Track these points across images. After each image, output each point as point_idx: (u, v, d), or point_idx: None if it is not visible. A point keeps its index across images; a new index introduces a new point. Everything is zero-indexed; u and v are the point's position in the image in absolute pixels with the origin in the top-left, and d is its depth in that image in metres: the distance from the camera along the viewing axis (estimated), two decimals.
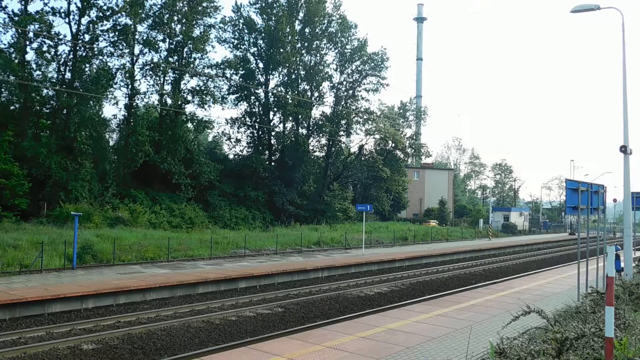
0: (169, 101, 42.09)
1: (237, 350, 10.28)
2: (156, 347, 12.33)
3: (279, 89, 52.05)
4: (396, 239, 42.16)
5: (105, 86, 36.93)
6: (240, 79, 49.70)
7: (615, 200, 59.57)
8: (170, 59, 41.72)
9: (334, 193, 54.05)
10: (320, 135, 56.18)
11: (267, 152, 53.11)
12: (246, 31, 50.43)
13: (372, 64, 56.10)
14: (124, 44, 39.10)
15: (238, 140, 53.17)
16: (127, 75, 39.26)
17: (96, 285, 16.86)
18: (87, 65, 37.43)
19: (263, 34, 49.87)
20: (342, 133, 57.83)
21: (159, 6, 40.65)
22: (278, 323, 15.08)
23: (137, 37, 39.72)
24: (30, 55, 35.95)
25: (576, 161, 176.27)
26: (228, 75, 47.84)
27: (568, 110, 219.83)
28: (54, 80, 36.68)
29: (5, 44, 34.93)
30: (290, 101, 49.64)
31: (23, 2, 34.70)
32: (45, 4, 41.68)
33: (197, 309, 16.32)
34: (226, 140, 54.15)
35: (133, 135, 38.46)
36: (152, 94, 41.96)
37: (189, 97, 43.50)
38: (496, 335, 8.64)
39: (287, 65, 49.93)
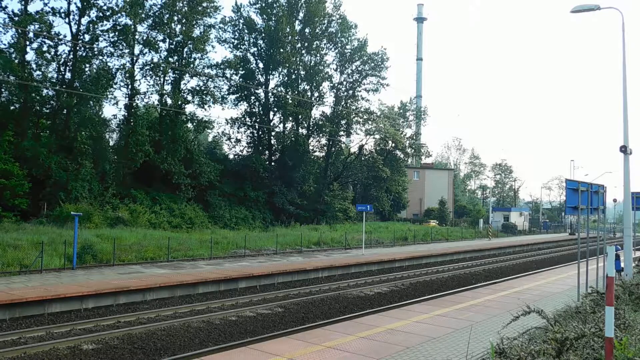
0: (169, 101, 42.09)
1: (237, 350, 10.28)
2: (156, 347, 12.33)
3: (279, 89, 52.09)
4: (396, 239, 42.14)
5: (105, 86, 36.99)
6: (240, 79, 49.73)
7: (615, 200, 59.55)
8: (170, 59, 41.73)
9: (334, 193, 54.05)
10: (320, 135, 56.21)
11: (267, 152, 53.14)
12: (246, 31, 50.48)
13: (372, 64, 56.12)
14: (124, 44, 39.11)
15: (238, 140, 53.33)
16: (127, 75, 39.28)
17: (96, 285, 16.86)
18: (87, 65, 37.47)
19: (263, 34, 49.91)
20: (342, 133, 57.87)
21: (159, 6, 40.73)
22: (278, 323, 15.07)
23: (137, 37, 39.74)
24: (30, 55, 36.01)
25: (576, 161, 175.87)
26: (228, 75, 47.88)
27: (568, 111, 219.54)
28: (54, 80, 36.72)
29: (5, 44, 35.07)
30: (290, 101, 49.68)
31: (23, 2, 34.75)
32: (45, 4, 41.78)
33: (197, 309, 16.31)
34: (226, 140, 54.35)
35: (133, 135, 38.47)
36: (152, 94, 42.05)
37: (189, 97, 43.54)
38: (496, 335, 8.65)
39: (287, 65, 49.95)
